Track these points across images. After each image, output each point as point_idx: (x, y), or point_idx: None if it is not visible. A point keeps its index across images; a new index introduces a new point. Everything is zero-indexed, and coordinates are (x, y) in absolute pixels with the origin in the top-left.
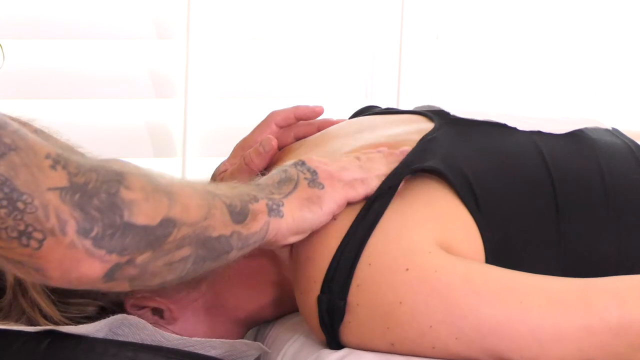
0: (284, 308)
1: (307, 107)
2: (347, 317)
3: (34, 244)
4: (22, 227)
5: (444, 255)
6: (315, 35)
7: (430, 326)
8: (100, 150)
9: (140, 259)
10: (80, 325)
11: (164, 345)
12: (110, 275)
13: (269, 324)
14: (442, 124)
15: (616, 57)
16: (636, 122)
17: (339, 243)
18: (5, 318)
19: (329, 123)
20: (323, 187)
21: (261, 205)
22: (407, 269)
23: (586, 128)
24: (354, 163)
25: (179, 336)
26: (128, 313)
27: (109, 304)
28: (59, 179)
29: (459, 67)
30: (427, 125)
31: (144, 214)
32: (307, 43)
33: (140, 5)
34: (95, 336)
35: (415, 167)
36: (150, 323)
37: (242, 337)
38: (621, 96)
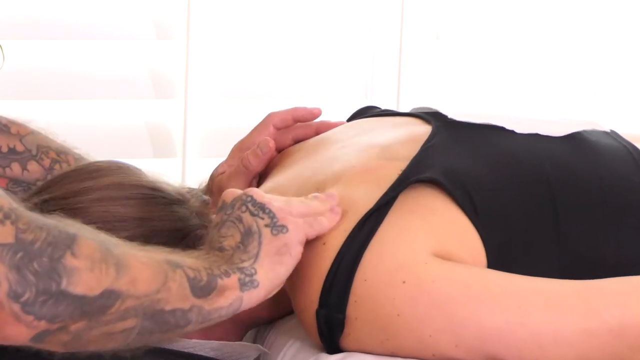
0: (283, 309)
1: (305, 108)
2: (346, 330)
3: None
4: None
5: (441, 263)
6: (315, 35)
7: (430, 335)
8: (101, 150)
9: (74, 327)
10: None
11: (163, 347)
12: (38, 339)
13: (268, 326)
14: (439, 127)
15: (615, 60)
16: (634, 125)
17: (332, 259)
18: None
19: (327, 125)
20: (287, 231)
21: (232, 281)
22: (404, 282)
23: (584, 130)
24: (295, 200)
25: (178, 337)
26: None
27: None
28: (5, 235)
29: (459, 68)
30: (423, 128)
31: (84, 284)
32: (307, 43)
33: (140, 6)
34: None
35: (413, 179)
36: None
37: (241, 339)
38: (620, 99)
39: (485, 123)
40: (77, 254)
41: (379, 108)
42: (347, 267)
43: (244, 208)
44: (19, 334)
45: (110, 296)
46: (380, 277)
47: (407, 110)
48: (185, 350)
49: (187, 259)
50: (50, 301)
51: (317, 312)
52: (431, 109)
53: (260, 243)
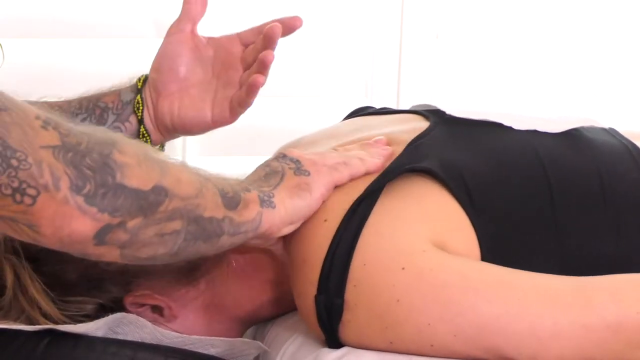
0: (283, 307)
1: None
2: (346, 317)
3: (27, 200)
4: (16, 184)
5: (439, 253)
6: (315, 34)
7: (429, 324)
8: None
9: (132, 223)
10: (80, 324)
11: (163, 344)
12: (101, 236)
13: (268, 323)
14: (437, 123)
15: (614, 58)
16: (633, 122)
17: (329, 242)
18: (5, 317)
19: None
20: (309, 174)
21: (253, 196)
22: (403, 268)
23: (582, 127)
24: (331, 152)
25: (178, 334)
26: (127, 311)
27: (109, 302)
28: (51, 138)
29: (459, 67)
30: (422, 124)
31: (136, 178)
32: (307, 42)
33: (140, 5)
34: (94, 335)
35: (407, 167)
36: (150, 321)
37: (241, 336)
38: (619, 96)
39: (483, 119)
40: (123, 151)
41: (374, 108)
42: (345, 250)
43: (274, 158)
44: (84, 228)
45: (160, 192)
46: (379, 262)
47: (406, 109)
48: (186, 348)
49: (212, 175)
50: (110, 193)
51: (316, 298)
52: (430, 106)
53: (282, 179)
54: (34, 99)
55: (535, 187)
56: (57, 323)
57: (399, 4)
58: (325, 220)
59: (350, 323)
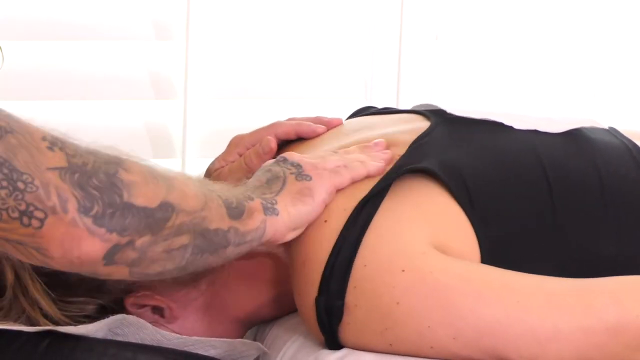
0: (284, 308)
1: (309, 126)
2: (346, 318)
3: (35, 223)
4: (23, 207)
5: (439, 255)
6: (315, 35)
7: (429, 326)
8: None
9: (140, 241)
10: (80, 326)
11: (163, 345)
12: (110, 256)
13: (269, 324)
14: (438, 122)
15: (614, 58)
16: (634, 122)
17: (332, 244)
18: (5, 317)
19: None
20: (310, 179)
21: (256, 204)
22: (403, 270)
23: (583, 127)
24: (332, 155)
25: (178, 335)
26: (128, 312)
27: (109, 303)
28: (58, 159)
29: (458, 68)
30: (423, 124)
31: (143, 196)
32: (307, 43)
33: (139, 7)
34: (94, 336)
35: (409, 167)
36: (150, 322)
37: (242, 337)
38: (619, 96)
39: (483, 119)
40: (129, 169)
41: (376, 108)
42: (348, 252)
43: (274, 162)
44: (93, 249)
45: (167, 208)
46: (380, 263)
47: (408, 108)
48: (186, 349)
49: (215, 186)
50: (118, 213)
51: (317, 299)
52: (431, 105)
53: (284, 184)
54: (33, 100)
55: (536, 187)
56: (57, 324)
57: (399, 5)
58: (326, 221)
59: (350, 325)
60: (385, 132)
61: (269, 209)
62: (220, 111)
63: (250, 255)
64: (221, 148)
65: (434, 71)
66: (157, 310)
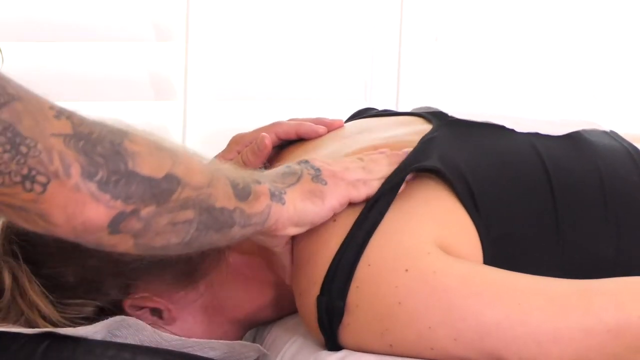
0: (283, 309)
1: (310, 127)
2: (346, 319)
3: (37, 188)
4: (25, 171)
5: (443, 256)
6: (314, 36)
7: (429, 327)
8: None
9: (145, 211)
10: (79, 327)
11: (162, 347)
12: (115, 224)
13: (268, 326)
14: (440, 125)
15: (615, 60)
16: (634, 125)
17: (339, 244)
18: (4, 319)
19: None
20: (326, 184)
21: (263, 188)
22: (407, 270)
23: (584, 130)
24: (356, 164)
25: (177, 337)
26: (127, 314)
27: (108, 305)
28: (63, 126)
29: (458, 69)
30: (425, 127)
31: (148, 166)
32: (307, 44)
33: (139, 8)
34: (93, 338)
35: (415, 166)
36: (149, 324)
37: (241, 339)
38: (620, 99)
39: (485, 121)
40: (134, 140)
41: (376, 110)
42: (353, 253)
43: (296, 162)
44: (98, 215)
45: (172, 181)
46: (383, 262)
47: (408, 111)
48: (185, 350)
49: (223, 166)
50: (122, 180)
51: (318, 299)
52: (432, 108)
53: (298, 180)
54: None
55: (537, 190)
56: (56, 326)
57: (399, 6)
58: (334, 220)
59: (350, 326)
60: (386, 135)
61: (276, 197)
62: (220, 112)
63: (248, 256)
64: (221, 149)
65: (434, 72)
66: (156, 312)
